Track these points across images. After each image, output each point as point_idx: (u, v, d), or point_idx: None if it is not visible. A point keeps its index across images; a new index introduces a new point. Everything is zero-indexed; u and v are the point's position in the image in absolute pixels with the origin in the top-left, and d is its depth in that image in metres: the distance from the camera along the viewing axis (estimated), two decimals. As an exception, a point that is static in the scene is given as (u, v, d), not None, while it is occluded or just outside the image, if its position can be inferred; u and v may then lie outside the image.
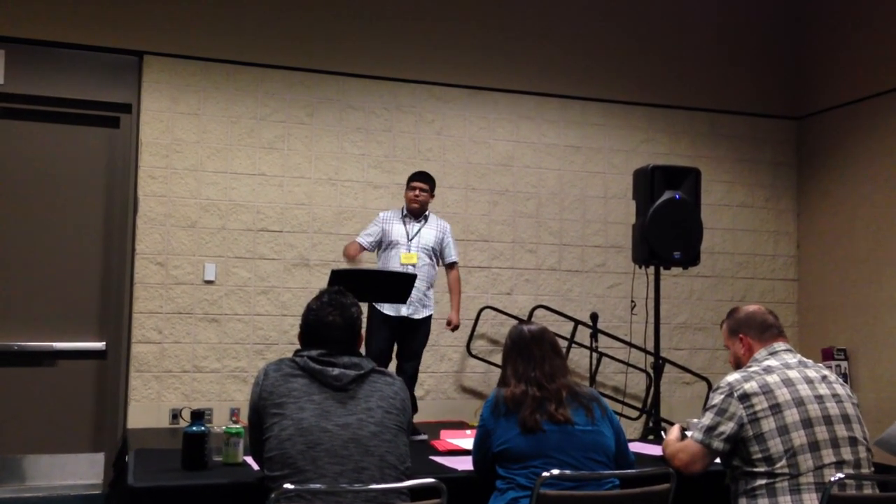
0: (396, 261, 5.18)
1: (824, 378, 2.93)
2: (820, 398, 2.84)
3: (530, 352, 3.03)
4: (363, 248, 5.28)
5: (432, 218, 5.39)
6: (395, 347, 5.22)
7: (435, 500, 2.44)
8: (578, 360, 6.41)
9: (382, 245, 5.30)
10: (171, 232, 5.87)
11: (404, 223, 5.30)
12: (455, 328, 5.47)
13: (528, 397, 2.92)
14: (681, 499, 2.80)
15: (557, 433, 2.87)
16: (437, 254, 5.35)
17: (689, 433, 3.09)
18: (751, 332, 3.08)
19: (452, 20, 6.56)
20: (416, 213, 5.32)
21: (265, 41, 6.13)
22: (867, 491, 2.77)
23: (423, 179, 5.34)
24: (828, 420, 2.80)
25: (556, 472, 2.69)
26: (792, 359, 2.99)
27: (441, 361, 6.38)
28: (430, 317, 5.26)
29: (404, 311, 5.11)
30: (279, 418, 2.57)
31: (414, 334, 5.20)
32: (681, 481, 2.80)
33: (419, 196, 5.30)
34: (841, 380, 3.00)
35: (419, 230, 5.29)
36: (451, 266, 5.44)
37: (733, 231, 7.21)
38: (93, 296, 5.90)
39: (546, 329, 3.14)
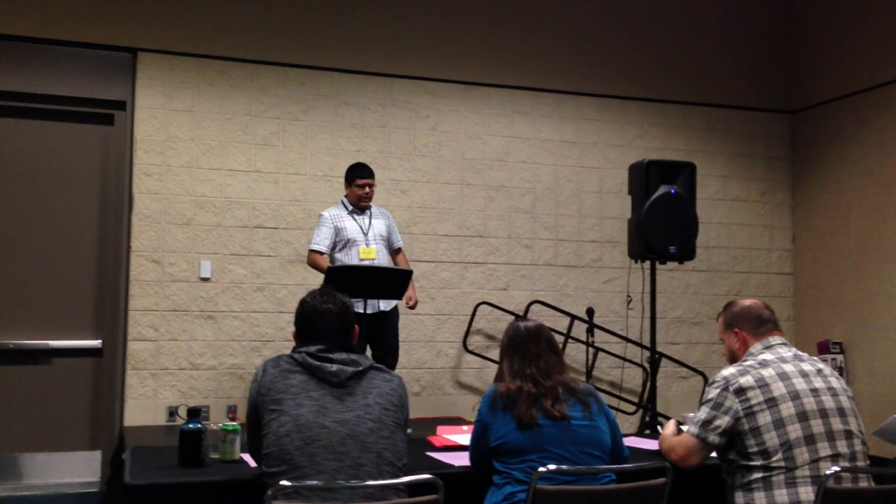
0: (356, 257, 5.19)
1: (819, 371, 2.94)
2: (815, 391, 2.85)
3: (526, 348, 3.04)
4: (323, 255, 5.26)
5: (374, 208, 5.42)
6: (368, 346, 5.24)
7: (432, 496, 2.44)
8: (575, 354, 6.42)
9: (338, 245, 5.27)
10: (166, 229, 5.86)
11: (354, 219, 5.30)
12: (414, 305, 5.45)
13: (524, 393, 2.93)
14: (677, 493, 2.81)
15: (554, 427, 2.88)
16: (388, 242, 5.39)
17: (685, 427, 3.10)
18: (746, 326, 3.09)
19: (446, 16, 6.56)
20: (363, 208, 5.33)
21: (259, 37, 6.12)
22: (863, 484, 2.78)
23: (370, 175, 5.36)
24: (823, 413, 2.81)
25: (552, 466, 2.70)
26: (787, 352, 3.00)
27: (437, 357, 6.38)
28: (396, 306, 5.29)
29: (382, 305, 5.14)
30: (277, 414, 2.57)
31: (386, 327, 5.23)
32: (677, 475, 2.80)
33: (369, 193, 5.33)
34: (836, 373, 3.01)
35: (371, 222, 5.31)
36: (398, 251, 5.52)
37: (728, 225, 7.22)
38: (88, 293, 5.89)
39: (542, 326, 3.15)
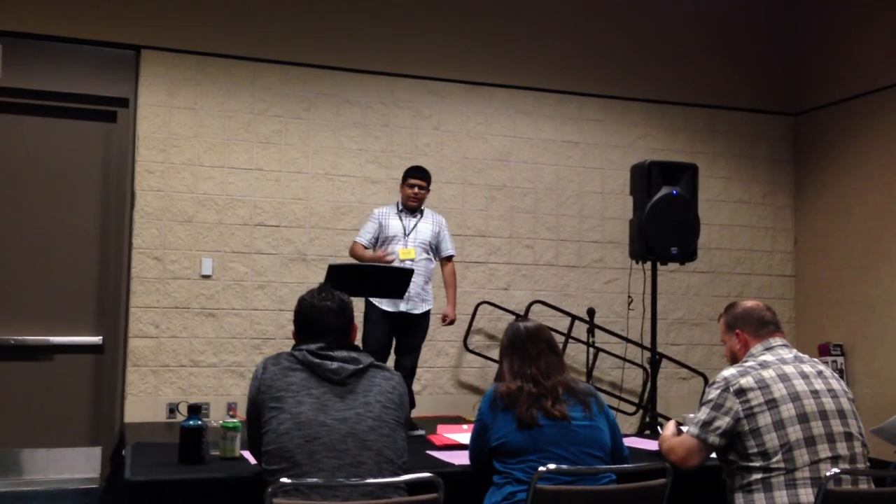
0: (394, 256, 5.19)
1: (820, 373, 2.93)
2: (816, 393, 2.85)
3: (526, 349, 3.04)
4: (366, 249, 5.30)
5: (428, 213, 5.40)
6: (394, 343, 5.23)
7: (432, 495, 2.44)
8: (575, 355, 6.42)
9: (379, 241, 5.31)
10: (167, 226, 5.86)
11: (400, 218, 5.30)
12: (451, 322, 5.47)
13: (524, 393, 2.93)
14: (677, 494, 2.81)
15: (554, 427, 2.88)
16: (433, 248, 5.36)
17: (685, 428, 3.10)
18: (747, 327, 3.08)
19: (449, 15, 6.56)
20: (413, 209, 5.32)
21: (262, 35, 6.12)
22: (863, 486, 2.78)
23: (422, 177, 5.34)
24: (823, 415, 2.81)
25: (552, 466, 2.70)
26: (788, 354, 3.00)
27: (438, 356, 6.38)
28: (428, 311, 5.27)
29: (403, 306, 5.11)
30: (277, 412, 2.57)
31: (414, 330, 5.21)
32: (677, 476, 2.81)
33: (418, 194, 5.31)
34: (836, 375, 3.00)
35: (416, 225, 5.29)
36: (447, 260, 5.45)
37: (730, 227, 7.21)
38: (90, 290, 5.90)
39: (542, 326, 3.15)
